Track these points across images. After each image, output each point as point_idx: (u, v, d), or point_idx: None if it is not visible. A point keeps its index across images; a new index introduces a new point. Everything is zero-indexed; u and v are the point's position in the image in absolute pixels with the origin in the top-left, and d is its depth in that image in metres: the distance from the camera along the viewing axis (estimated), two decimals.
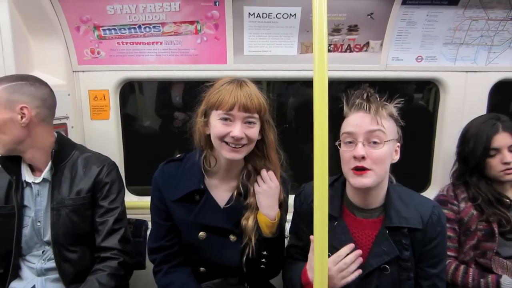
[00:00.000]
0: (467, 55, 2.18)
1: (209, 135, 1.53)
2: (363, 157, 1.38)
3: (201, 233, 1.58)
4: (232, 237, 1.59)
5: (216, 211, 1.58)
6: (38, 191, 1.71)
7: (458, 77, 2.22)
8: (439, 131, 2.31)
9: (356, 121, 1.43)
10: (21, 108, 1.58)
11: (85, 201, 1.70)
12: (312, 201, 1.19)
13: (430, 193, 2.19)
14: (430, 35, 2.11)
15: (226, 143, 1.47)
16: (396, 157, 1.49)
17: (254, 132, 1.49)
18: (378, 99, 1.46)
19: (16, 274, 1.73)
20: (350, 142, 1.44)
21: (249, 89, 1.47)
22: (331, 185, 1.58)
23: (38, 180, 1.70)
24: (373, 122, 1.40)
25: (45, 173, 1.70)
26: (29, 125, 1.61)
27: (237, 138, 1.44)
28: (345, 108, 1.52)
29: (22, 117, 1.59)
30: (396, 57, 2.17)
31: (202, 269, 1.64)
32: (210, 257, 1.61)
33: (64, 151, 1.74)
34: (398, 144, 1.50)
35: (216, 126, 1.47)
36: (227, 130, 1.45)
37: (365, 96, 1.45)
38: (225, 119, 1.45)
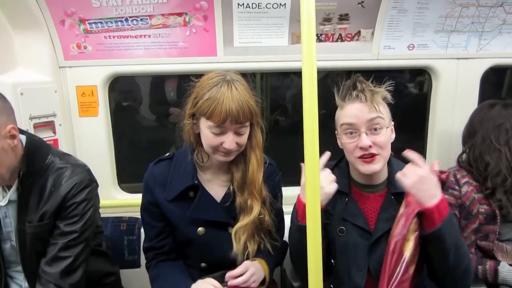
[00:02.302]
0: (459, 42, 2.17)
1: (199, 134, 1.52)
2: (369, 146, 1.44)
3: (200, 229, 1.57)
4: (231, 229, 1.58)
5: (212, 205, 1.57)
6: (5, 213, 1.56)
7: (449, 64, 2.21)
8: (432, 118, 2.31)
9: (355, 112, 1.47)
10: (9, 130, 1.39)
11: (48, 227, 1.52)
12: None
13: None
14: (421, 23, 2.10)
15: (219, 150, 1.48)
16: (393, 135, 1.55)
17: (244, 138, 1.50)
18: (370, 85, 1.50)
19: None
20: (351, 133, 1.48)
21: (240, 96, 1.40)
22: (336, 166, 1.67)
23: (3, 203, 1.53)
24: (372, 110, 1.45)
25: (11, 194, 1.52)
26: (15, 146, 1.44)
27: (230, 149, 1.45)
28: (337, 99, 1.55)
29: (11, 139, 1.41)
30: (387, 45, 2.15)
31: (203, 264, 1.64)
32: (211, 251, 1.60)
33: (32, 166, 1.52)
34: (392, 122, 1.55)
35: (208, 135, 1.46)
36: (219, 140, 1.44)
37: (358, 87, 1.49)
38: (217, 132, 1.44)
